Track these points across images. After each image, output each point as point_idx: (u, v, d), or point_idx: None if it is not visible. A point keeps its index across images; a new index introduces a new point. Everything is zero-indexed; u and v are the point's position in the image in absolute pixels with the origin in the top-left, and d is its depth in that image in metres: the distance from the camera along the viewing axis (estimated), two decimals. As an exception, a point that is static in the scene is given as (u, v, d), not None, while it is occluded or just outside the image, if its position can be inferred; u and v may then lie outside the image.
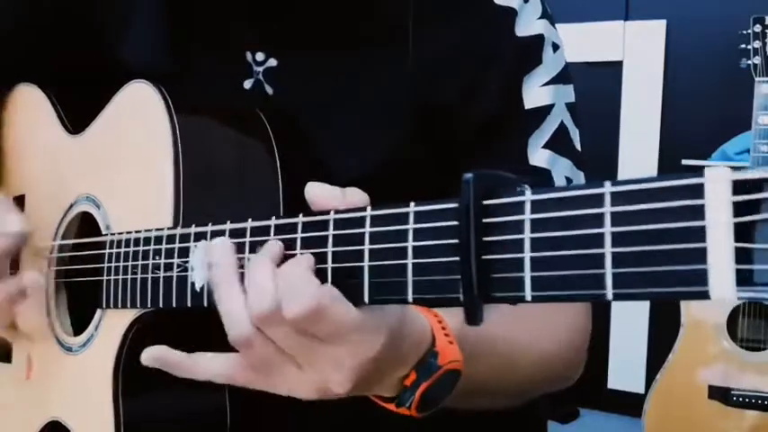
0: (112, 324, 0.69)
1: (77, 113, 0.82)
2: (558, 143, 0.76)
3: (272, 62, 0.76)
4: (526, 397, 0.74)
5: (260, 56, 0.76)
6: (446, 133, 0.75)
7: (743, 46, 1.99)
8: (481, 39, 0.75)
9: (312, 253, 0.50)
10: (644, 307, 2.43)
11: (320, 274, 0.49)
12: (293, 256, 0.51)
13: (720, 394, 1.95)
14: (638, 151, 2.53)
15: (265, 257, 0.51)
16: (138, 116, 0.71)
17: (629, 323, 2.46)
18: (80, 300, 0.78)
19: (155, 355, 0.58)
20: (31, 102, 0.87)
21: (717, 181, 0.33)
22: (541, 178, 0.73)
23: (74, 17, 0.82)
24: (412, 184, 0.75)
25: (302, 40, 0.76)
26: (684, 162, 2.23)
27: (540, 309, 0.68)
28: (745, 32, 1.99)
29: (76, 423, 0.74)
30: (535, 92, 0.75)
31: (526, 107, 0.75)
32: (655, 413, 2.03)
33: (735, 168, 0.32)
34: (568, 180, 0.75)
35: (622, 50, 2.52)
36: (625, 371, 2.49)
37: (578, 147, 0.78)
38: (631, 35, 2.51)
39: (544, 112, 0.76)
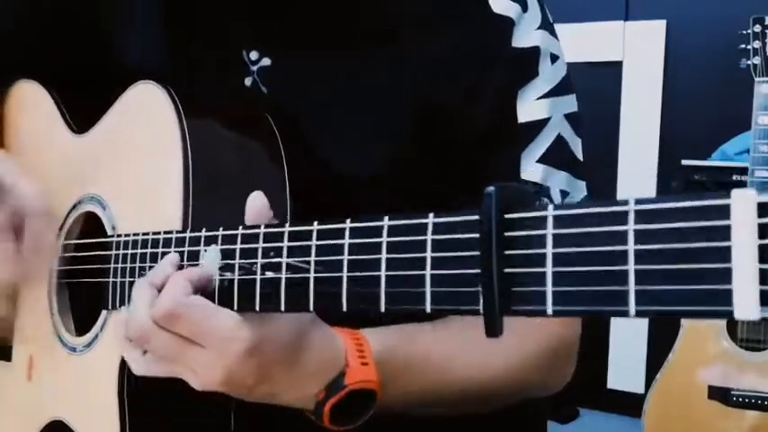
0: (119, 325, 0.69)
1: (80, 113, 0.81)
2: (554, 157, 0.75)
3: (266, 61, 0.76)
4: (495, 404, 0.74)
5: (254, 55, 0.76)
6: (445, 134, 0.75)
7: (743, 46, 1.99)
8: (477, 46, 0.74)
9: (326, 260, 0.50)
10: (644, 307, 2.43)
11: (333, 283, 0.49)
12: (306, 266, 0.52)
13: (720, 394, 1.95)
14: (638, 151, 2.53)
15: (166, 266, 0.59)
16: (146, 117, 0.71)
17: (629, 323, 2.45)
18: (82, 300, 0.78)
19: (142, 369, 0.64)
20: (33, 99, 0.87)
21: (743, 202, 0.33)
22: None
23: (74, 17, 0.82)
24: (411, 185, 0.75)
25: (297, 39, 0.76)
26: (684, 162, 2.23)
27: (510, 322, 0.69)
28: (745, 32, 1.99)
29: (80, 423, 0.74)
30: (530, 105, 0.75)
31: (520, 121, 0.75)
32: (654, 413, 2.03)
33: (760, 192, 0.33)
34: (564, 193, 0.75)
35: (622, 50, 2.52)
36: (625, 371, 2.49)
37: (579, 156, 0.78)
38: (631, 35, 2.51)
39: (539, 126, 0.75)
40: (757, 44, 1.97)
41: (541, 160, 0.74)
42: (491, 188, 0.41)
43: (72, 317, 0.79)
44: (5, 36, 0.86)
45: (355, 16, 0.76)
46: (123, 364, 0.67)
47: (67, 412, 0.76)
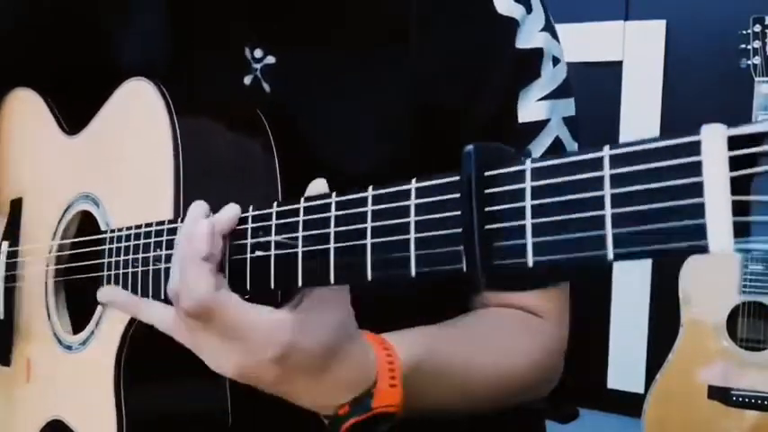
0: (113, 320, 0.69)
1: (75, 115, 0.82)
2: None
3: (270, 59, 0.76)
4: (492, 408, 0.75)
5: (258, 52, 0.76)
6: (446, 133, 0.75)
7: (743, 46, 1.99)
8: (480, 46, 0.74)
9: (314, 235, 0.50)
10: (643, 307, 2.42)
11: (322, 255, 0.50)
12: (294, 242, 0.51)
13: (720, 394, 1.95)
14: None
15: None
16: (137, 113, 0.71)
17: (629, 323, 2.45)
18: (79, 299, 0.78)
19: (106, 294, 0.66)
20: (27, 105, 0.87)
21: (713, 137, 0.34)
22: None
23: (74, 16, 0.82)
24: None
25: (302, 38, 0.76)
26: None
27: (506, 333, 0.70)
28: (745, 32, 1.99)
29: (78, 421, 0.74)
30: (531, 106, 0.75)
31: (520, 121, 0.75)
32: (654, 413, 2.03)
33: (731, 126, 0.33)
34: None
35: (622, 50, 2.52)
36: (625, 371, 2.48)
37: None
38: (631, 35, 2.51)
39: (538, 126, 0.75)
40: (757, 44, 1.97)
41: None
42: (470, 147, 0.41)
43: (69, 315, 0.80)
44: (5, 36, 0.86)
45: (359, 15, 0.76)
46: (119, 360, 0.67)
47: (66, 411, 0.76)
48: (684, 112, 2.46)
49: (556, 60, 0.77)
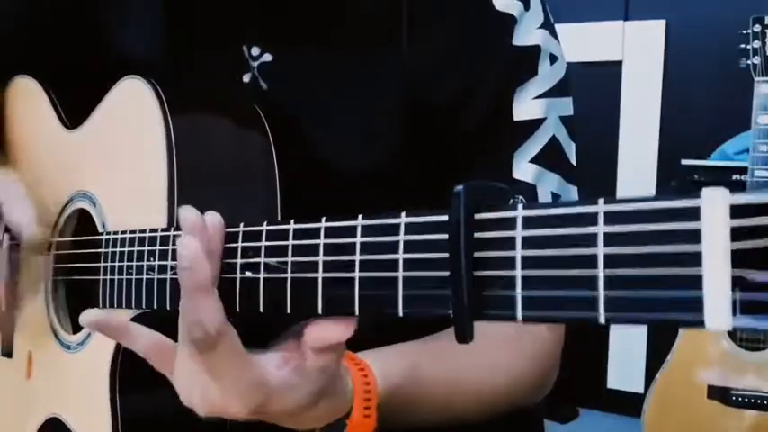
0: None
1: (75, 108, 0.81)
2: (548, 158, 0.74)
3: (267, 57, 0.76)
4: (479, 419, 0.74)
5: (255, 50, 0.76)
6: (443, 133, 0.75)
7: (742, 46, 1.99)
8: (477, 43, 0.74)
9: (302, 262, 0.49)
10: (643, 307, 2.43)
11: (311, 284, 0.48)
12: (283, 266, 0.50)
13: (720, 394, 1.95)
14: (638, 151, 2.53)
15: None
16: (131, 112, 0.71)
17: (629, 323, 2.46)
18: (79, 297, 0.78)
19: (91, 319, 0.59)
20: (28, 94, 0.87)
21: (714, 203, 0.31)
22: (524, 193, 0.72)
23: (73, 15, 0.82)
24: (410, 182, 0.75)
25: (299, 36, 0.76)
26: (684, 162, 2.23)
27: (493, 345, 0.69)
28: (744, 32, 1.99)
29: (75, 420, 0.74)
30: (527, 104, 0.74)
31: (515, 119, 0.74)
32: (654, 413, 2.03)
33: (734, 192, 0.31)
34: (555, 195, 0.74)
35: (622, 50, 2.52)
36: (624, 370, 2.49)
37: (572, 161, 0.77)
38: (631, 35, 2.51)
39: (534, 125, 0.75)
40: (757, 44, 1.97)
41: (534, 161, 0.74)
42: (460, 187, 0.39)
43: (69, 313, 0.80)
44: (5, 36, 0.86)
45: (357, 13, 0.76)
46: (115, 361, 0.67)
47: (63, 409, 0.76)
48: (684, 111, 2.46)
49: (553, 58, 0.76)
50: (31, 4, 0.86)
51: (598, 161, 2.43)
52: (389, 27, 0.74)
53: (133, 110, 0.70)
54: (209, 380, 0.53)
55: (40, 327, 0.81)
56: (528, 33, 0.74)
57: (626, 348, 2.48)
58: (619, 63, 2.54)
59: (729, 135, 2.26)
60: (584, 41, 2.46)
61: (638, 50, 2.51)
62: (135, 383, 0.66)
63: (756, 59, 1.96)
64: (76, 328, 0.77)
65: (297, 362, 0.52)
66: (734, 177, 2.12)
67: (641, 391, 2.32)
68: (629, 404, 2.27)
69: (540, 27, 0.76)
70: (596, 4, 2.54)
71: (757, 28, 1.97)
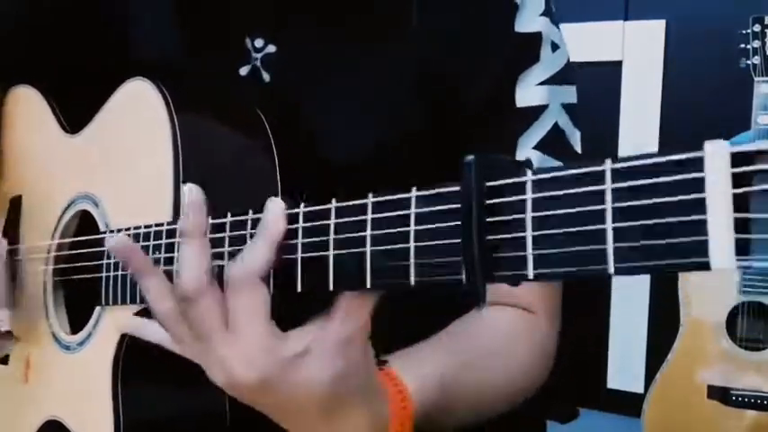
0: (112, 321, 0.69)
1: (76, 114, 0.82)
2: (551, 145, 0.75)
3: (271, 48, 0.76)
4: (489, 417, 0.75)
5: (259, 42, 0.76)
6: (447, 120, 0.75)
7: (743, 46, 1.98)
8: (480, 28, 0.74)
9: (313, 242, 0.50)
10: (643, 307, 2.42)
11: (322, 262, 0.49)
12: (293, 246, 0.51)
13: (720, 394, 1.95)
14: (638, 151, 2.52)
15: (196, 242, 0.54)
16: (137, 113, 0.71)
17: (629, 323, 2.45)
18: (78, 299, 0.78)
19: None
20: (27, 103, 0.87)
21: (716, 154, 0.34)
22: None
23: (73, 14, 0.82)
24: (414, 173, 0.75)
25: (302, 26, 0.76)
26: (684, 162, 2.22)
27: (509, 346, 0.70)
28: (745, 32, 1.99)
29: (75, 421, 0.74)
30: (529, 91, 0.75)
31: (518, 105, 0.75)
32: (654, 413, 2.03)
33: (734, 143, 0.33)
34: None
35: (622, 50, 2.52)
36: (624, 370, 2.48)
37: (577, 149, 0.78)
38: (631, 35, 2.51)
39: (537, 111, 0.75)
40: (757, 44, 1.96)
41: (538, 147, 0.74)
42: (470, 157, 0.41)
43: (67, 315, 0.80)
44: (5, 36, 0.86)
45: (360, 2, 0.76)
46: (116, 361, 0.67)
47: (63, 411, 0.76)
48: (684, 111, 2.46)
49: (555, 46, 0.77)
50: (31, 4, 0.86)
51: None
52: (393, 16, 0.74)
53: (139, 111, 0.70)
54: (225, 336, 0.52)
55: (38, 329, 0.81)
56: (530, 20, 0.75)
57: (626, 348, 2.48)
58: (619, 63, 2.54)
59: (730, 135, 2.26)
60: (583, 41, 2.46)
61: (638, 50, 2.50)
62: (138, 383, 0.66)
63: (756, 59, 1.96)
64: (76, 329, 0.77)
65: (316, 334, 0.52)
66: (734, 177, 2.12)
67: (641, 391, 2.31)
68: (629, 404, 2.26)
69: (542, 14, 0.76)
70: (596, 4, 2.54)
71: (757, 28, 1.97)
